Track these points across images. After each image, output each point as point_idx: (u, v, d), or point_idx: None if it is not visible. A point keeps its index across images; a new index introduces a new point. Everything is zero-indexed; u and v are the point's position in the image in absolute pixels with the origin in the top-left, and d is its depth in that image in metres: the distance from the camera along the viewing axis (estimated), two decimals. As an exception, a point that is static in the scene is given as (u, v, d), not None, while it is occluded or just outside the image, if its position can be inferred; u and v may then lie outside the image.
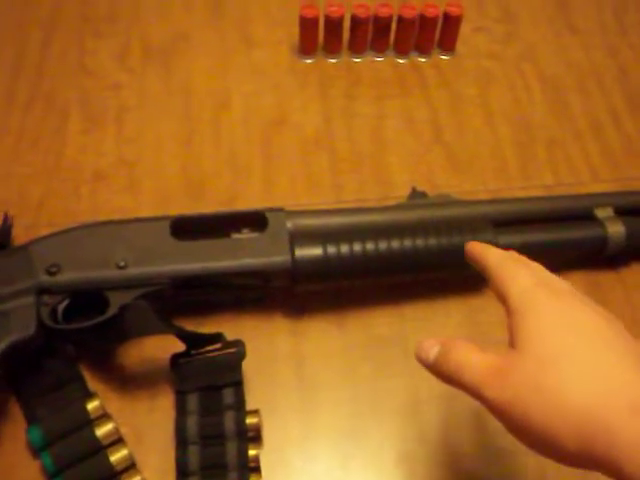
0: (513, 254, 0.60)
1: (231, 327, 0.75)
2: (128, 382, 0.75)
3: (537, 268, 0.59)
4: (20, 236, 0.78)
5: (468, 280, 0.80)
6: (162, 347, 0.75)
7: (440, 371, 0.55)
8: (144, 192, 0.85)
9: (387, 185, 0.86)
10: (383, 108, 0.91)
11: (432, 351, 0.56)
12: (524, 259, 0.60)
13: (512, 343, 0.53)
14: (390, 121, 0.90)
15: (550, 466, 0.52)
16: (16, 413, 0.73)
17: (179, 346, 0.72)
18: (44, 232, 0.76)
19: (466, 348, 0.54)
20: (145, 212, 0.79)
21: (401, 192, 0.83)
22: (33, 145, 0.88)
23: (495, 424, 0.52)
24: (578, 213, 0.81)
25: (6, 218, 0.77)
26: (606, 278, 0.82)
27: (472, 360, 0.53)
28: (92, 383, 0.74)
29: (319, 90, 0.93)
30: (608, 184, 0.87)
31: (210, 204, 0.82)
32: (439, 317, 0.79)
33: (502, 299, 0.56)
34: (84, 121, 0.90)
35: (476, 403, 0.53)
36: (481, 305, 0.79)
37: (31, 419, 0.72)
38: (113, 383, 0.75)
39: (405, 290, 0.79)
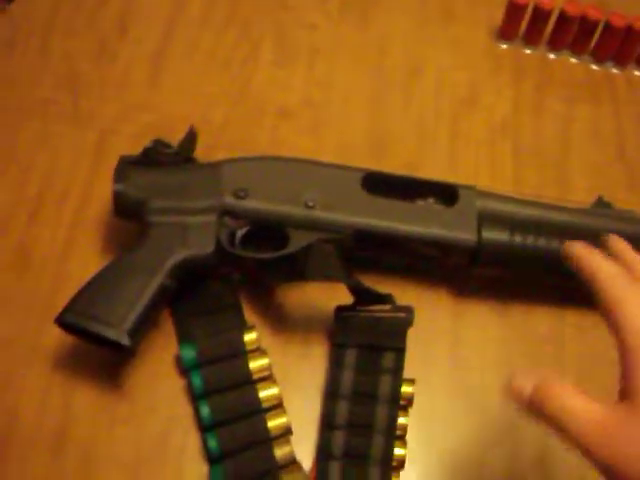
0: (628, 268, 0.52)
1: (395, 292, 0.72)
2: (284, 322, 0.74)
3: None
4: (198, 154, 0.76)
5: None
6: (324, 295, 0.75)
7: (535, 410, 0.49)
8: (326, 137, 0.85)
9: (566, 188, 0.84)
10: (572, 111, 0.90)
11: (528, 386, 0.49)
12: None
13: (625, 390, 0.46)
14: (577, 125, 0.89)
15: None
16: (169, 329, 0.73)
17: (341, 297, 0.72)
18: (222, 155, 0.76)
19: (570, 392, 0.48)
20: (325, 158, 0.77)
21: (578, 197, 0.82)
22: (223, 67, 0.87)
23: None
24: None
25: (191, 131, 0.75)
26: None
27: (576, 408, 0.47)
28: (248, 315, 0.74)
29: (511, 78, 0.91)
30: None
31: (391, 165, 0.80)
32: (596, 328, 0.76)
33: (612, 328, 0.49)
34: (276, 54, 0.89)
35: None
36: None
37: (184, 337, 0.72)
38: (269, 320, 0.74)
39: (569, 294, 0.78)
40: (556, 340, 0.76)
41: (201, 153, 0.76)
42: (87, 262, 0.74)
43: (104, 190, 0.77)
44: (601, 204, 0.79)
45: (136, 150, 0.73)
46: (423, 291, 0.77)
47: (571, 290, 0.77)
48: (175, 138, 0.74)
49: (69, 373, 0.70)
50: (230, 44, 0.89)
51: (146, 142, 0.73)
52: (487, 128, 0.87)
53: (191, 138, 0.75)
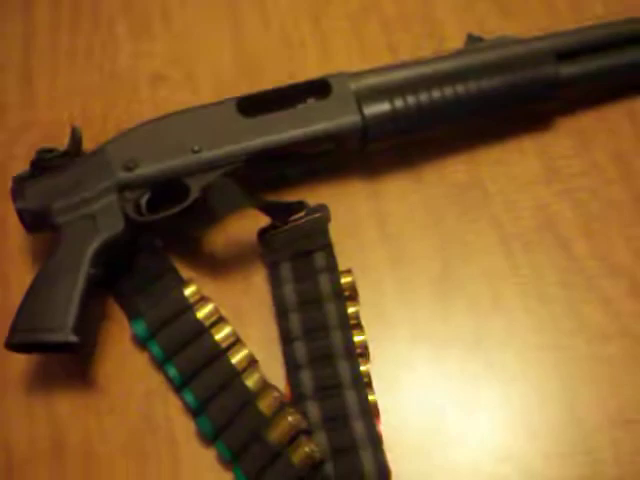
0: None
1: (311, 198, 0.75)
2: (219, 266, 0.77)
3: None
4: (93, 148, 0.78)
5: (536, 115, 0.80)
6: (246, 228, 0.77)
7: None
8: (203, 84, 0.86)
9: (440, 39, 0.85)
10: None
11: None
12: None
13: None
14: (431, -25, 0.89)
15: None
16: (116, 313, 0.76)
17: (261, 222, 0.74)
18: (115, 140, 0.77)
19: None
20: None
21: (456, 44, 0.82)
22: (87, 60, 0.89)
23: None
24: (637, 35, 0.80)
25: (74, 129, 0.77)
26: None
27: None
28: (185, 272, 0.76)
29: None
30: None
31: (271, 84, 0.80)
32: (513, 156, 0.79)
33: None
34: (131, 27, 0.90)
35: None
36: (552, 140, 0.79)
37: (132, 315, 0.74)
38: (205, 269, 0.77)
39: (476, 135, 0.80)
40: (476, 182, 0.78)
41: (95, 146, 0.78)
42: (25, 287, 0.75)
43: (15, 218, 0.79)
44: (472, 40, 0.80)
45: (36, 169, 0.76)
46: (337, 186, 0.79)
47: (474, 129, 0.80)
48: (65, 142, 0.76)
49: (44, 388, 0.74)
50: (86, 34, 0.90)
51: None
52: (347, 13, 0.88)
53: (76, 136, 0.77)
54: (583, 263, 0.74)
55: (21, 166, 0.78)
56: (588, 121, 0.80)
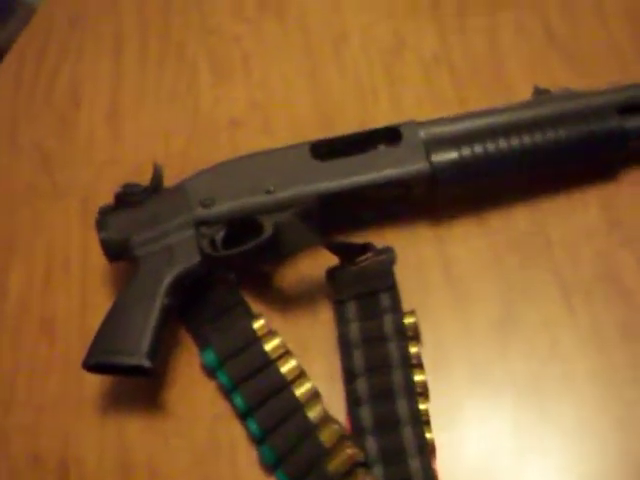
0: None
1: (378, 239, 0.79)
2: (288, 301, 0.80)
3: None
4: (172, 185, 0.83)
5: (600, 167, 0.82)
6: (316, 265, 0.80)
7: None
8: (279, 130, 0.90)
9: (509, 92, 0.87)
10: (495, 20, 0.93)
11: None
12: None
13: None
14: (503, 31, 0.92)
15: None
16: (187, 342, 0.79)
17: (332, 262, 0.77)
18: (192, 179, 0.82)
19: None
20: (283, 147, 0.83)
21: (524, 97, 0.84)
22: (170, 102, 0.94)
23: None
24: None
25: (156, 167, 0.82)
26: None
27: None
28: (255, 306, 0.79)
29: (431, 12, 0.95)
30: None
31: (343, 130, 0.83)
32: (576, 206, 0.80)
33: None
34: (213, 75, 0.95)
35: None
36: (616, 190, 0.81)
37: (203, 344, 0.78)
38: (275, 304, 0.80)
39: (542, 184, 0.81)
40: (540, 231, 0.80)
41: (172, 184, 0.82)
42: (104, 311, 0.79)
43: (98, 246, 0.83)
44: (539, 92, 0.82)
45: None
46: (402, 230, 0.81)
47: (540, 178, 0.81)
48: (147, 179, 0.81)
49: (116, 409, 0.78)
50: (171, 80, 0.96)
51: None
52: (420, 66, 0.91)
53: (157, 174, 0.82)
54: (644, 313, 0.75)
55: (104, 199, 0.82)
56: (651, 172, 0.82)
